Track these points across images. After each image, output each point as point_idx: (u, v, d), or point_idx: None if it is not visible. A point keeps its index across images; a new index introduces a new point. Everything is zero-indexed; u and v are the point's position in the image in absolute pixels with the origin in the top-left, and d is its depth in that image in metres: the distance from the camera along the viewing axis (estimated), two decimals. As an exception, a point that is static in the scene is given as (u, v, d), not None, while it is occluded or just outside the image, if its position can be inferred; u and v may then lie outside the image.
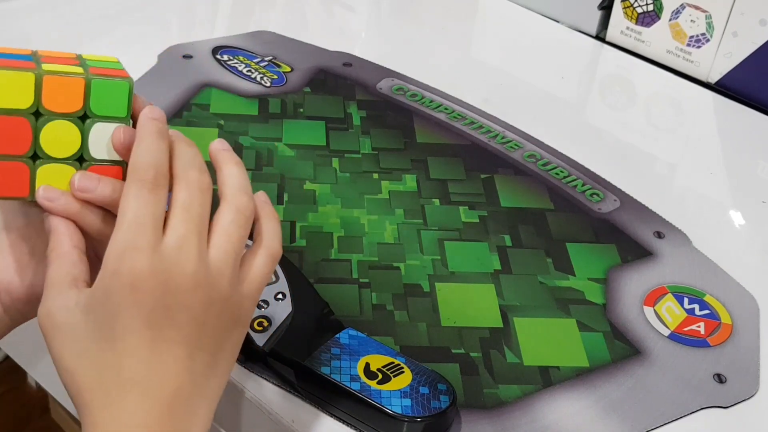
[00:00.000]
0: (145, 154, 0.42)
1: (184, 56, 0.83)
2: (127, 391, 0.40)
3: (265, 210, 0.46)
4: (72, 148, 0.44)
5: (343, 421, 0.52)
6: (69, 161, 0.44)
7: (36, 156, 0.43)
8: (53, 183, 0.43)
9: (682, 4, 0.88)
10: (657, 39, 0.92)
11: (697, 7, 0.87)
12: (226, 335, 0.43)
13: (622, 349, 0.59)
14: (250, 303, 0.44)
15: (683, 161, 0.81)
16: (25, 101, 0.42)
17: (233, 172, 0.45)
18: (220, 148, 0.47)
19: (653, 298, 0.63)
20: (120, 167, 0.45)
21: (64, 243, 0.43)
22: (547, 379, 0.56)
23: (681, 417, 0.55)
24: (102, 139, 0.44)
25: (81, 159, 0.44)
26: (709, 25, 0.87)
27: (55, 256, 0.43)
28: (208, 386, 0.43)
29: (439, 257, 0.64)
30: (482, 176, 0.73)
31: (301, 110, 0.78)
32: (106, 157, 0.44)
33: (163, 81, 0.79)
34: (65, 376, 0.42)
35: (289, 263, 0.58)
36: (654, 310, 0.62)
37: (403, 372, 0.52)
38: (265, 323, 0.54)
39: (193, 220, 0.42)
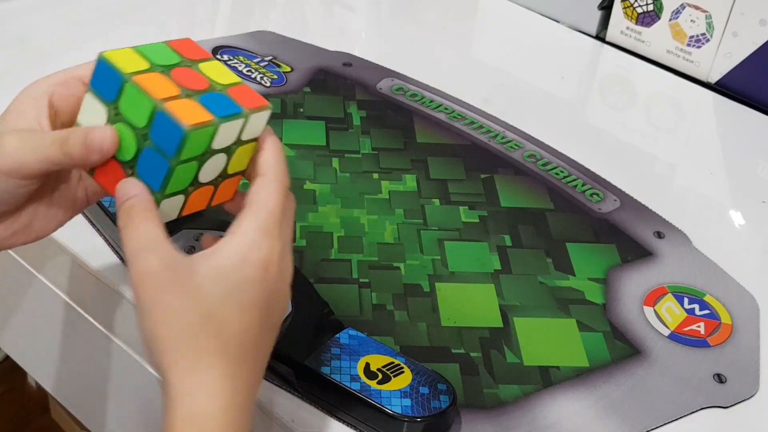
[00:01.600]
0: (284, 163, 0.45)
1: (184, 56, 0.83)
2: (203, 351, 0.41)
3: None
4: (217, 173, 0.46)
5: (343, 421, 0.52)
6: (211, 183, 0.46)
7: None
8: (195, 205, 0.47)
9: (682, 4, 0.88)
10: (657, 39, 0.92)
11: (697, 7, 0.87)
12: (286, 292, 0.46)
13: (622, 349, 0.59)
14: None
15: (683, 161, 0.81)
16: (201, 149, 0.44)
17: (278, 150, 0.46)
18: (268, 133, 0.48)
19: (653, 298, 0.63)
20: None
21: (151, 201, 0.43)
22: (547, 379, 0.56)
23: (681, 417, 0.55)
24: (238, 159, 0.46)
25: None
26: (709, 25, 0.87)
27: (149, 212, 0.43)
28: (270, 346, 0.45)
29: (439, 257, 0.64)
30: (482, 176, 0.73)
31: (301, 110, 0.78)
32: (236, 171, 0.47)
33: (163, 81, 0.79)
34: (151, 323, 0.41)
35: (289, 263, 0.58)
36: (654, 310, 0.62)
37: (403, 372, 0.52)
38: (265, 323, 0.54)
39: (291, 227, 0.46)
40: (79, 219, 0.63)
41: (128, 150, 0.44)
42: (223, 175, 0.46)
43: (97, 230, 0.63)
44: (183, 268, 0.41)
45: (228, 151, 0.45)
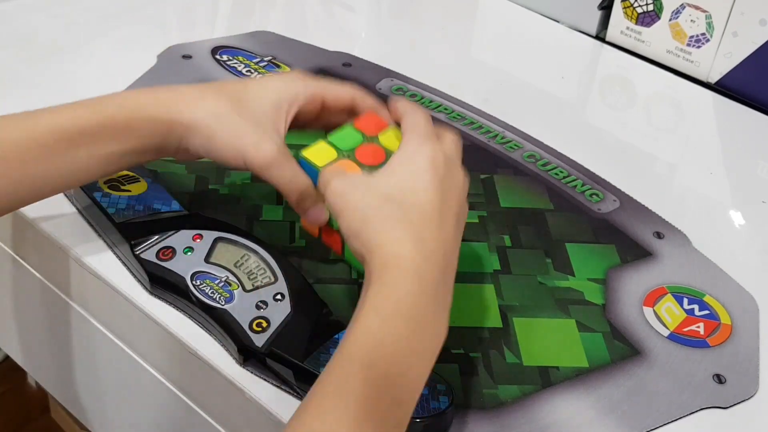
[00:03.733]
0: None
1: (184, 56, 0.83)
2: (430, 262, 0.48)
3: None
4: None
5: (343, 422, 0.52)
6: None
7: None
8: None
9: (682, 4, 0.88)
10: (657, 39, 0.91)
11: (697, 7, 0.87)
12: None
13: (621, 349, 0.59)
14: None
15: (683, 161, 0.81)
16: None
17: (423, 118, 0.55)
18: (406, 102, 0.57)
19: (653, 298, 0.63)
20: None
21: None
22: (547, 379, 0.56)
23: (681, 417, 0.55)
24: None
25: None
26: (709, 25, 0.87)
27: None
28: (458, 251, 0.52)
29: (438, 257, 0.64)
30: (482, 176, 0.73)
31: (301, 110, 0.78)
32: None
33: (163, 81, 0.79)
34: (352, 225, 0.49)
35: (288, 264, 0.58)
36: (653, 310, 0.62)
37: (402, 372, 0.52)
38: (264, 324, 0.54)
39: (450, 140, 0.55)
40: (79, 220, 0.63)
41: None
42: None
43: (97, 231, 0.63)
44: (361, 177, 0.51)
45: None
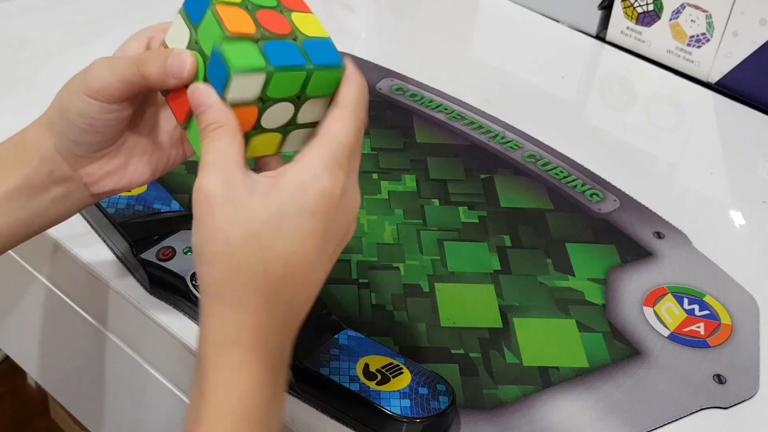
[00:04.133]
0: (364, 100, 0.45)
1: (184, 56, 0.83)
2: (288, 282, 0.41)
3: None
4: (283, 122, 0.45)
5: (343, 422, 0.52)
6: (277, 131, 0.46)
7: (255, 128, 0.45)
8: (260, 149, 0.46)
9: (682, 4, 0.88)
10: (657, 39, 0.91)
11: (697, 7, 0.87)
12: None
13: (621, 349, 0.59)
14: None
15: (683, 161, 0.81)
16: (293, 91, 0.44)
17: (361, 88, 0.46)
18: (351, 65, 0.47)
19: (653, 298, 0.63)
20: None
21: (233, 122, 0.43)
22: (547, 379, 0.56)
23: (681, 417, 0.55)
24: (308, 110, 0.45)
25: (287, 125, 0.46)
26: (710, 25, 0.87)
27: (226, 132, 0.42)
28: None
29: (438, 257, 0.64)
30: (482, 176, 0.73)
31: (301, 110, 0.78)
32: (307, 121, 0.46)
33: (163, 81, 0.79)
34: (203, 245, 0.41)
35: (288, 264, 0.58)
36: (654, 310, 0.62)
37: (402, 373, 0.52)
38: (265, 324, 0.54)
39: (357, 160, 0.45)
40: (79, 220, 0.63)
41: (199, 79, 0.44)
42: (293, 125, 0.45)
43: (97, 231, 0.63)
44: (240, 189, 0.41)
45: (293, 101, 0.44)
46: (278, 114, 0.44)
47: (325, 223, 0.42)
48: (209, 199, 0.41)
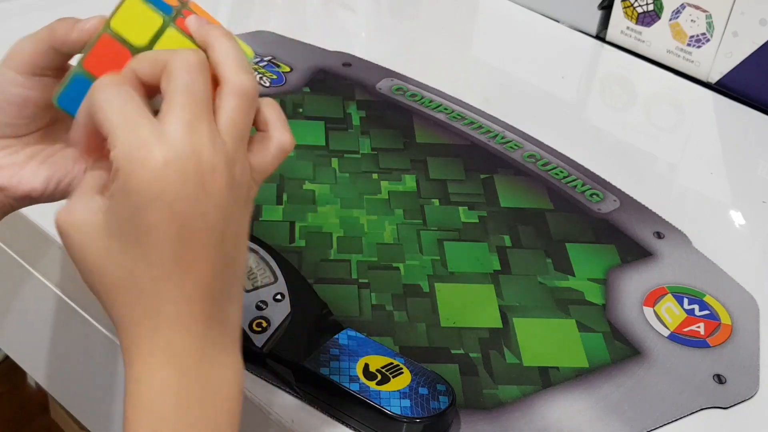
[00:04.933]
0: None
1: (184, 56, 0.83)
2: (159, 286, 0.38)
3: (264, 100, 0.43)
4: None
5: (342, 422, 0.52)
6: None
7: None
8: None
9: (682, 4, 0.88)
10: (657, 39, 0.91)
11: (697, 7, 0.87)
12: (244, 222, 0.41)
13: (621, 349, 0.59)
14: (255, 193, 0.42)
15: (683, 161, 0.81)
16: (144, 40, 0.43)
17: (227, 49, 0.41)
18: (200, 23, 0.43)
19: (653, 298, 0.63)
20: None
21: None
22: (547, 379, 0.56)
23: (681, 417, 0.55)
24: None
25: None
26: (710, 25, 0.87)
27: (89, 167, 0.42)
28: (235, 280, 0.41)
29: (438, 257, 0.64)
30: (482, 176, 0.73)
31: (301, 110, 0.78)
32: None
33: (163, 81, 0.79)
34: (91, 278, 0.40)
35: (288, 264, 0.58)
36: (654, 310, 0.62)
37: (402, 373, 0.52)
38: (264, 324, 0.54)
39: (198, 104, 0.39)
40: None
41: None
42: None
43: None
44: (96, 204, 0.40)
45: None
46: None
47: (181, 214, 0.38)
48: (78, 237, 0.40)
